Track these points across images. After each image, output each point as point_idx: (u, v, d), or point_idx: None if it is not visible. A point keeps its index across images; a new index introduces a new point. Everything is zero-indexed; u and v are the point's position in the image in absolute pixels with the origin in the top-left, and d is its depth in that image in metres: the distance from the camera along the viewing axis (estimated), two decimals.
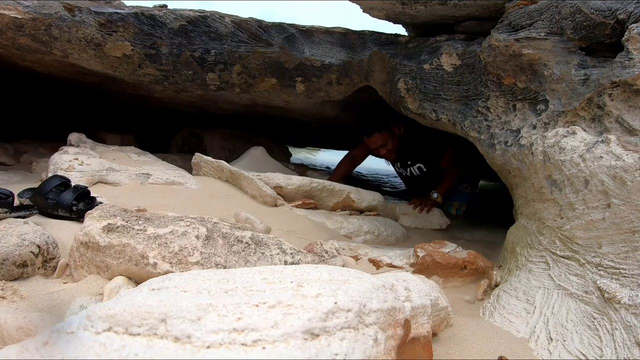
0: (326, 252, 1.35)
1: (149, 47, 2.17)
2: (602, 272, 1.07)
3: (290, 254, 1.20)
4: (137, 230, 1.02)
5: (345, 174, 3.14)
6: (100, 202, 1.43)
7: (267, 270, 0.76)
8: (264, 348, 0.54)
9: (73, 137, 2.12)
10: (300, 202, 2.00)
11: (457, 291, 1.39)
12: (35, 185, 1.57)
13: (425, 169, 2.87)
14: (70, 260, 1.09)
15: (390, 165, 3.18)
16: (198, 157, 2.05)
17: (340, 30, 2.38)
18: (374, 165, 5.26)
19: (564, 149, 1.21)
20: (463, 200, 3.03)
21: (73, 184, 1.45)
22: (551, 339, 1.06)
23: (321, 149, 8.75)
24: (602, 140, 1.12)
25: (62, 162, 1.69)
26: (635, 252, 1.01)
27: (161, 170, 1.86)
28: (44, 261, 1.07)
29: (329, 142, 5.45)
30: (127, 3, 2.39)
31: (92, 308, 0.58)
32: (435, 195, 2.62)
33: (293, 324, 0.57)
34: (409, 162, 2.87)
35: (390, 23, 2.15)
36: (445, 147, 2.77)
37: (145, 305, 0.58)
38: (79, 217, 1.34)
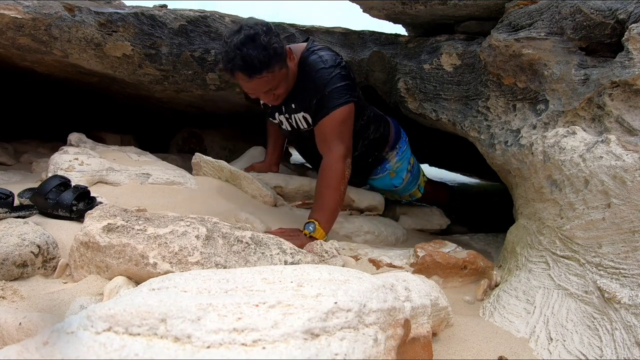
0: (326, 252, 1.35)
1: (149, 47, 2.17)
2: (602, 272, 1.07)
3: (290, 254, 1.20)
4: (137, 230, 1.02)
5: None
6: (100, 202, 1.43)
7: (267, 270, 0.76)
8: (264, 348, 0.54)
9: (73, 137, 2.12)
10: (300, 202, 2.00)
11: (457, 291, 1.39)
12: (35, 185, 1.56)
13: (311, 125, 1.82)
14: (70, 260, 1.09)
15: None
16: (198, 157, 2.05)
17: (340, 30, 2.38)
18: None
19: (564, 149, 1.21)
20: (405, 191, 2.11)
21: (73, 184, 1.45)
22: (551, 339, 1.06)
23: None
24: (602, 140, 1.12)
25: (62, 162, 1.69)
26: (635, 252, 1.01)
27: (161, 170, 1.86)
28: (44, 261, 1.07)
29: None
30: (127, 3, 2.39)
31: (92, 308, 0.58)
32: (311, 228, 1.52)
33: (293, 324, 0.57)
34: (293, 106, 1.81)
35: (390, 23, 2.16)
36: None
37: (145, 305, 0.58)
38: (79, 217, 1.34)
